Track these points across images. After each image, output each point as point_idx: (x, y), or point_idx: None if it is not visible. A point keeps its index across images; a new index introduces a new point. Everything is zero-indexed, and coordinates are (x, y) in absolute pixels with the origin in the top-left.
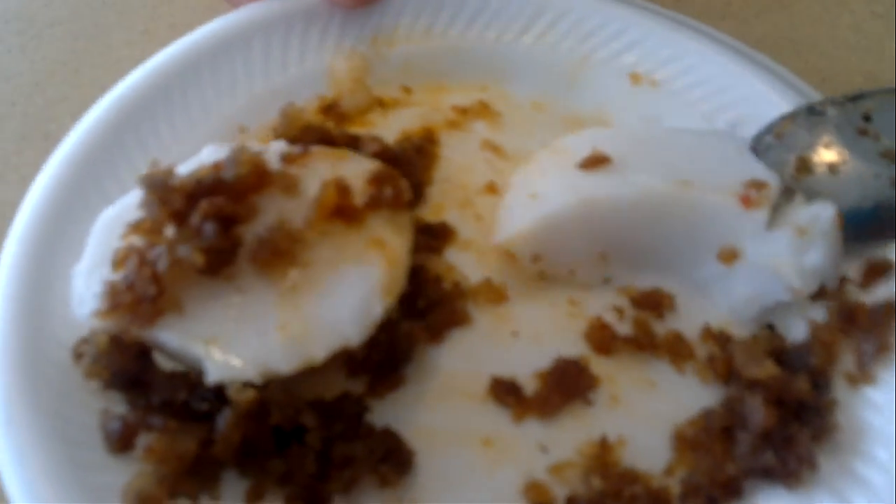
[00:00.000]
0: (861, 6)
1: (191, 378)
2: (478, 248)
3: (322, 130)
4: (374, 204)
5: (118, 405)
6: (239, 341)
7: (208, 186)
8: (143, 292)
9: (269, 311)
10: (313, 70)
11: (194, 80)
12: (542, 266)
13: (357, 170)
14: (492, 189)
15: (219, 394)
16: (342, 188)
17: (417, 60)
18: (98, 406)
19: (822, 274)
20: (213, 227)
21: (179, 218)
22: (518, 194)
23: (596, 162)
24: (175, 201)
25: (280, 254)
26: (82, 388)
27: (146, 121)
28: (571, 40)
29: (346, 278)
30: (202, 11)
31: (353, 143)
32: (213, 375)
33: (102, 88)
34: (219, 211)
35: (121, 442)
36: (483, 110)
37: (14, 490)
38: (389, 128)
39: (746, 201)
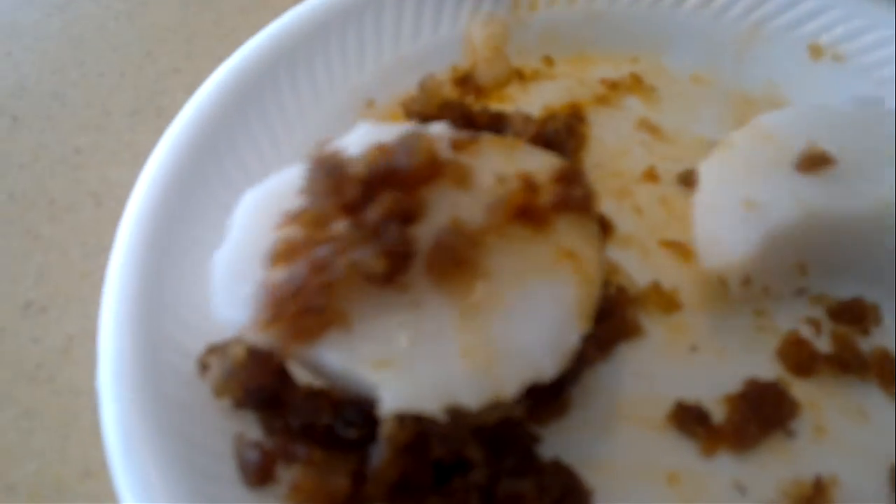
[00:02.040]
0: None
1: (333, 397)
2: (640, 246)
3: (462, 108)
4: (562, 206)
5: (250, 428)
6: (417, 367)
7: (382, 175)
8: (311, 302)
9: (448, 332)
10: (448, 38)
11: (321, 49)
12: (750, 291)
13: (535, 164)
14: (651, 176)
15: (367, 417)
16: (530, 185)
17: (561, 27)
18: (228, 428)
19: None
20: (396, 227)
21: (354, 210)
22: (724, 198)
23: (817, 163)
24: (350, 192)
25: (460, 262)
26: (210, 407)
27: (268, 93)
28: (741, 6)
29: (536, 296)
30: None
31: (498, 123)
32: (388, 406)
33: (217, 59)
34: (401, 206)
35: (259, 474)
36: (636, 84)
37: None
38: (531, 103)
39: None
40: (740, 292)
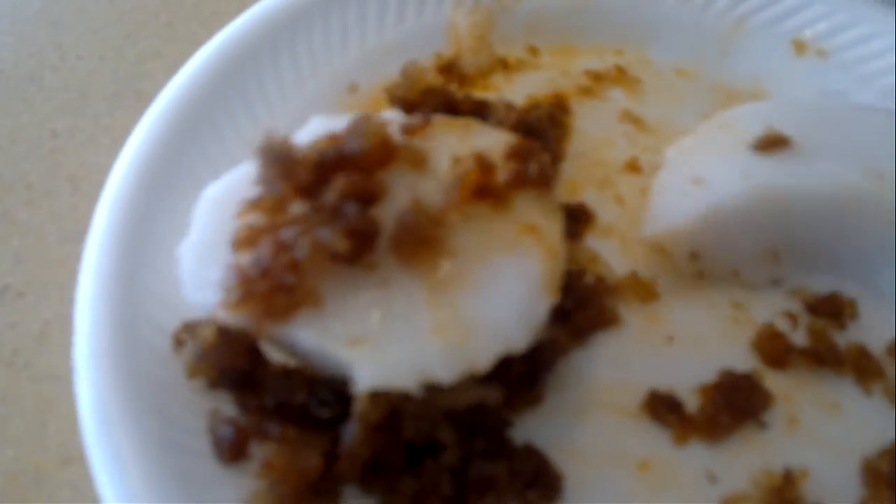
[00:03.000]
0: None
1: (307, 376)
2: (620, 236)
3: (445, 94)
4: (518, 182)
5: (225, 404)
6: (390, 344)
7: (333, 160)
8: (281, 281)
9: (418, 309)
10: (432, 25)
11: (304, 33)
12: (700, 265)
13: (490, 142)
14: (633, 167)
15: (340, 396)
16: (484, 164)
17: (546, 17)
18: (203, 405)
19: None
20: (356, 206)
21: (309, 195)
22: (676, 177)
23: (772, 143)
24: (301, 175)
25: (425, 240)
26: (185, 383)
27: (250, 77)
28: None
29: (502, 271)
30: None
31: (481, 110)
32: (363, 383)
33: (198, 43)
34: (357, 187)
35: (233, 451)
36: (620, 76)
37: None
38: (515, 92)
39: None
40: (692, 268)
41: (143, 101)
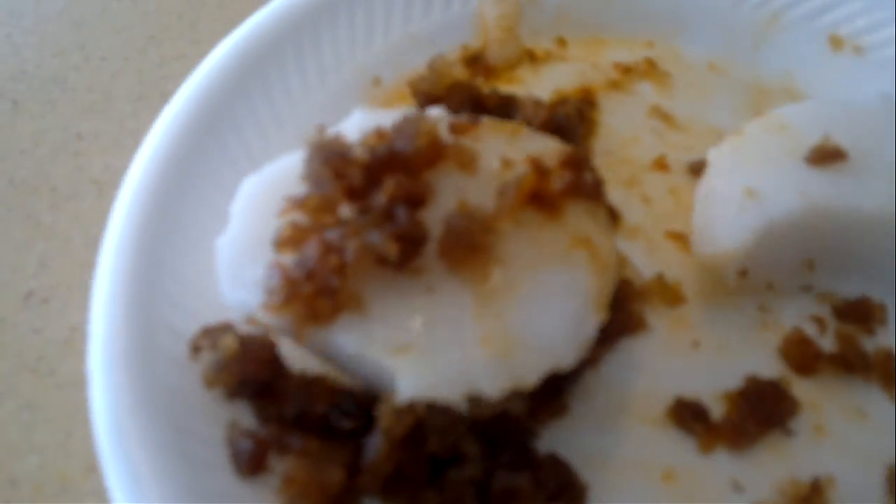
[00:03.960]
0: None
1: (329, 386)
2: (647, 237)
3: (471, 89)
4: (573, 192)
5: (244, 415)
6: (434, 354)
7: (384, 160)
8: (326, 283)
9: (465, 318)
10: (459, 16)
11: (327, 25)
12: (747, 281)
13: (541, 148)
14: (661, 165)
15: (363, 407)
16: (541, 170)
17: (575, 8)
18: (221, 415)
19: None
20: (406, 210)
21: (358, 196)
22: (725, 185)
23: (828, 156)
24: (354, 176)
25: (475, 248)
26: (203, 392)
27: (273, 69)
28: None
29: (552, 284)
30: None
31: (509, 107)
32: (406, 392)
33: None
34: (407, 190)
35: (252, 464)
36: (650, 70)
37: None
38: (542, 86)
39: None
40: (738, 284)
41: (153, 104)
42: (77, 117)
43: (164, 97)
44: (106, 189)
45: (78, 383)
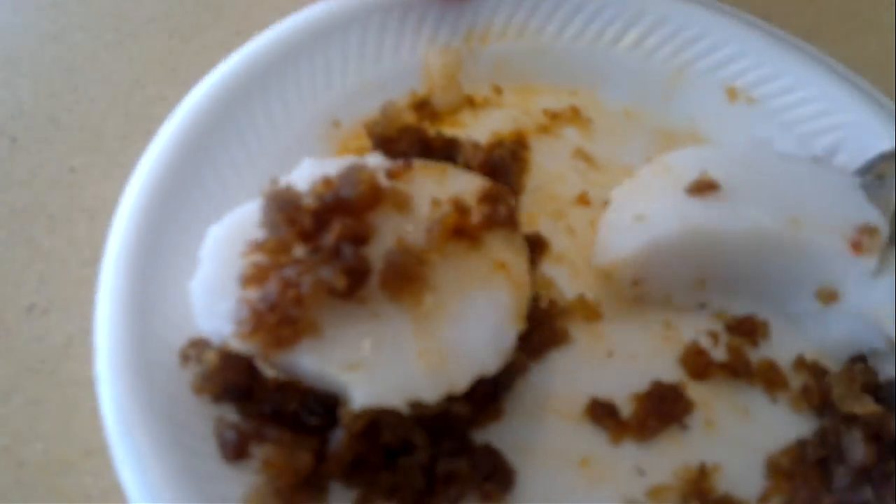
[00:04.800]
0: None
1: (298, 389)
2: (570, 263)
3: (419, 132)
4: (490, 223)
5: (229, 412)
6: (381, 368)
7: (330, 205)
8: (286, 313)
9: (405, 338)
10: (407, 64)
11: (291, 70)
12: (640, 290)
13: (464, 186)
14: (584, 200)
15: (327, 406)
16: (461, 207)
17: (509, 60)
18: (210, 413)
19: None
20: (351, 248)
21: (309, 238)
22: (622, 214)
23: (704, 188)
24: (304, 221)
25: (410, 277)
26: (193, 394)
27: (243, 111)
28: (668, 49)
29: (476, 304)
30: (291, 13)
31: (452, 148)
32: (358, 402)
33: (176, 91)
34: (351, 231)
35: (236, 451)
36: (574, 116)
37: (136, 499)
38: (480, 128)
39: (857, 247)
40: (636, 293)
41: (136, 141)
42: (70, 153)
43: (148, 135)
44: (97, 216)
45: (75, 382)
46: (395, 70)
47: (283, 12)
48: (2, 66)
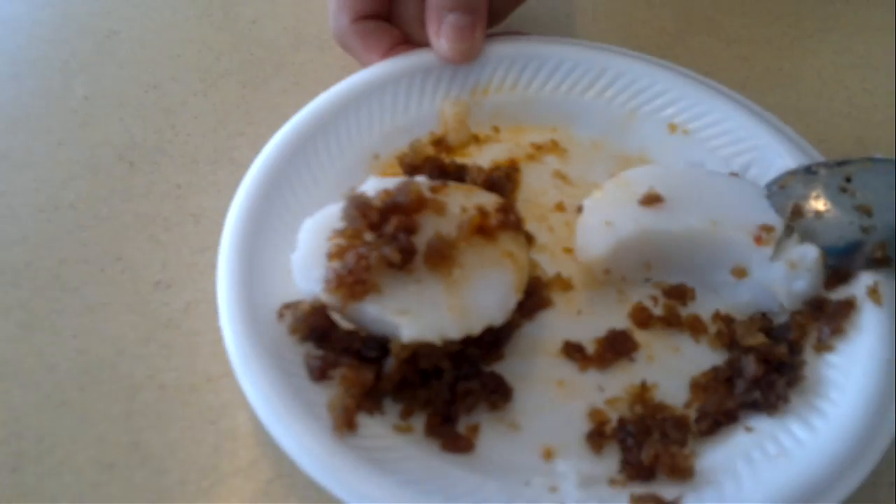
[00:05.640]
0: (855, 83)
1: (360, 334)
2: (551, 252)
3: (437, 160)
4: (503, 226)
5: (312, 349)
6: (422, 315)
7: (390, 207)
8: (360, 276)
9: (439, 296)
10: (428, 112)
11: (343, 120)
12: (609, 276)
13: (485, 200)
14: (560, 208)
15: (381, 344)
16: (484, 213)
17: (504, 107)
18: (300, 349)
19: (805, 297)
20: (405, 235)
21: (376, 228)
22: (596, 219)
23: (653, 200)
24: (373, 216)
25: (445, 257)
26: (289, 337)
27: (310, 149)
28: (625, 96)
29: (490, 278)
30: (338, 70)
31: (462, 171)
32: (407, 336)
33: (268, 126)
34: (405, 224)
35: (319, 373)
36: (554, 147)
37: (258, 408)
38: (483, 158)
39: (759, 240)
40: (605, 278)
41: (236, 165)
42: (175, 174)
43: (233, 161)
44: (200, 219)
45: (195, 332)
46: (419, 117)
47: (327, 65)
48: (115, 109)
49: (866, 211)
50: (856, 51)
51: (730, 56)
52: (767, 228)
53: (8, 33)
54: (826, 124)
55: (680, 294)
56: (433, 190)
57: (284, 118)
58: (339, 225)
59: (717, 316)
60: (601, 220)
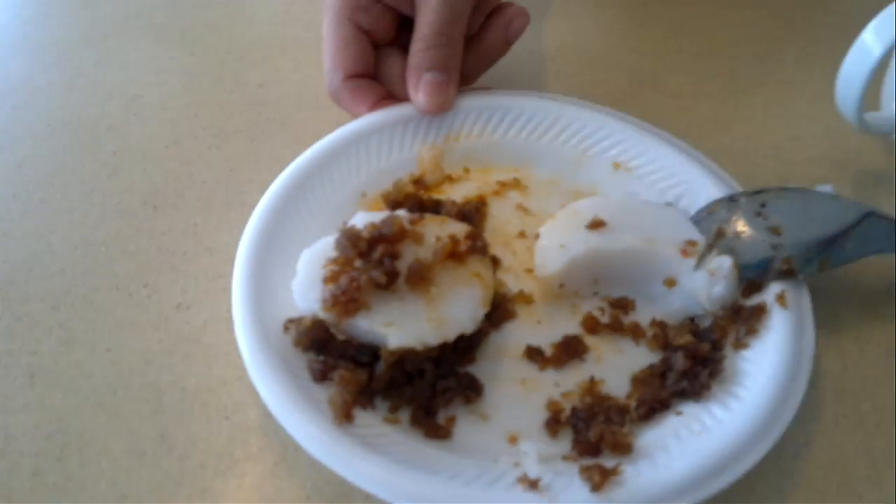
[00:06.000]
0: (780, 130)
1: (354, 343)
2: (514, 272)
3: (417, 197)
4: (471, 251)
5: (314, 357)
6: (405, 326)
7: (377, 237)
8: (352, 296)
9: (419, 310)
10: (408, 156)
11: (335, 164)
12: (564, 290)
13: (456, 229)
14: (522, 235)
15: (372, 351)
16: (455, 240)
17: (474, 151)
18: (304, 356)
19: (724, 300)
20: (389, 260)
21: (364, 255)
22: (551, 243)
23: (597, 224)
24: (362, 245)
25: (423, 278)
26: (294, 349)
27: (307, 189)
28: (575, 140)
29: (462, 294)
30: (333, 125)
31: (438, 205)
32: (393, 344)
33: (273, 174)
34: (389, 251)
35: (321, 375)
36: (516, 184)
37: (271, 405)
38: (456, 194)
39: (685, 253)
40: (560, 292)
41: (246, 206)
42: (192, 214)
43: (243, 204)
44: (215, 252)
45: (211, 345)
46: (401, 160)
47: (323, 121)
48: (140, 162)
49: (776, 231)
50: (782, 103)
51: (674, 108)
52: (692, 243)
53: (46, 97)
54: (755, 165)
55: (623, 305)
56: (412, 222)
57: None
58: (333, 254)
59: (654, 322)
60: (555, 243)
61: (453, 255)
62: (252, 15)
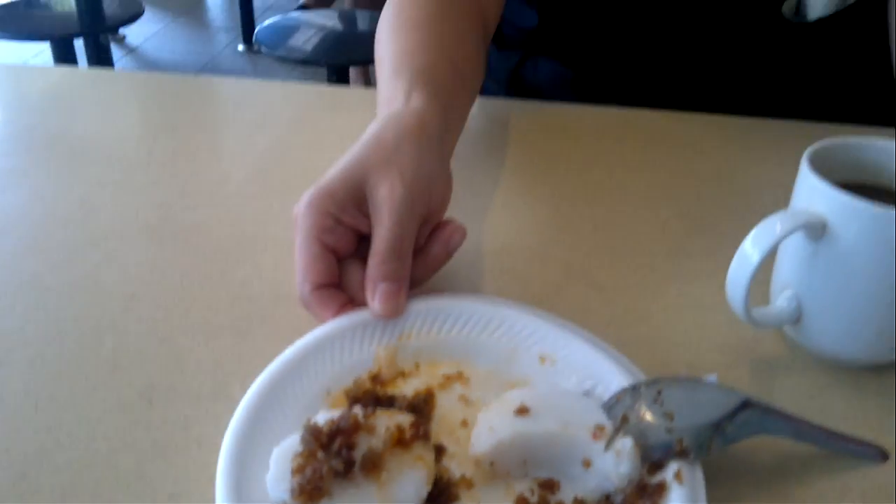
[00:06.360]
0: (689, 319)
1: None
2: (458, 459)
3: (375, 392)
4: (414, 438)
5: None
6: None
7: (335, 431)
8: (316, 485)
9: (373, 493)
10: (367, 355)
11: (304, 367)
12: (494, 468)
13: (402, 420)
14: (465, 424)
15: None
16: (401, 430)
17: (423, 348)
18: None
19: (630, 478)
20: (346, 451)
21: (325, 448)
22: (484, 427)
23: (522, 411)
24: (322, 439)
25: (375, 464)
26: None
27: (280, 390)
28: (507, 337)
29: (409, 476)
30: (306, 321)
31: (391, 399)
32: None
33: (254, 367)
34: (346, 443)
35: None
36: (460, 377)
37: None
38: (408, 388)
39: (595, 436)
40: (492, 470)
41: (230, 401)
42: (183, 407)
43: (227, 398)
44: (202, 445)
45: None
46: (360, 359)
47: (298, 316)
48: (137, 358)
49: (670, 416)
50: (692, 294)
51: (600, 300)
52: (601, 428)
53: (51, 300)
54: (667, 352)
55: (549, 485)
56: (366, 416)
57: (266, 361)
58: (299, 448)
59: (576, 500)
60: (486, 427)
61: (400, 442)
62: (236, 216)
